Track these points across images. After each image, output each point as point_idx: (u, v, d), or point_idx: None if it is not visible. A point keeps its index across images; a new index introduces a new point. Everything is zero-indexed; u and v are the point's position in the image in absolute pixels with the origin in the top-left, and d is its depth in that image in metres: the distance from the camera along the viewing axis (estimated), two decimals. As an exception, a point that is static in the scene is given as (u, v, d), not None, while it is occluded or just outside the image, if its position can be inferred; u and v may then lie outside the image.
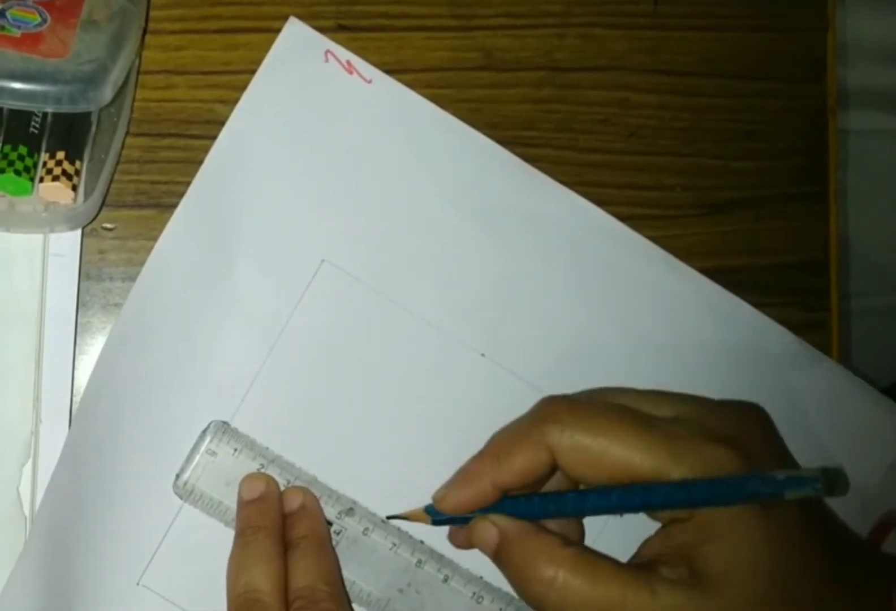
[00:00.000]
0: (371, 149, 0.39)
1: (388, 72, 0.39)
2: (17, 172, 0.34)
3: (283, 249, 0.38)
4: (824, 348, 0.42)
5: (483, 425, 0.36)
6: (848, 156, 0.71)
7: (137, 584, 0.37)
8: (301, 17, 0.39)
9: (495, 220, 0.39)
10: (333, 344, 0.38)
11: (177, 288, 0.37)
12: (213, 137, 0.38)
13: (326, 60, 0.39)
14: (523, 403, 0.36)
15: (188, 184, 0.38)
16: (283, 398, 0.38)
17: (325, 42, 0.38)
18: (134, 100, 0.38)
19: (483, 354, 0.39)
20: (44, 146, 0.35)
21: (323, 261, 0.38)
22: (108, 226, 0.38)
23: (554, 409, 0.34)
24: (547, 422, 0.34)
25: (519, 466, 0.34)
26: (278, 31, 0.39)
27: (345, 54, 0.39)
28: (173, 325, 0.37)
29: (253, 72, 0.39)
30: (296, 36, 0.38)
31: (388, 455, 0.39)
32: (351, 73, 0.39)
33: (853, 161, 0.70)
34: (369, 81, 0.39)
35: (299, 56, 0.38)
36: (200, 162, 0.38)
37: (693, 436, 0.33)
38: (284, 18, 0.39)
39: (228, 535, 0.36)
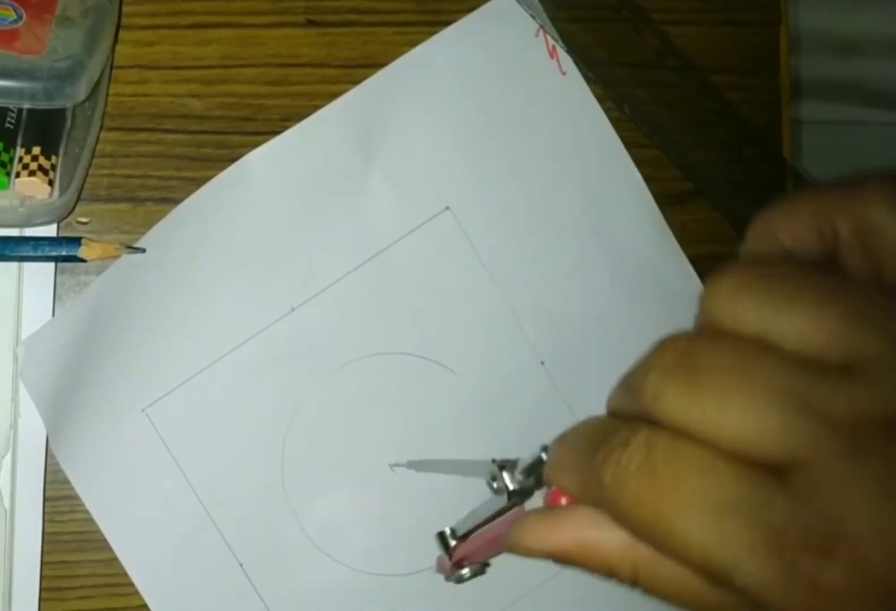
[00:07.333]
0: (529, 130, 0.40)
1: (357, 67, 0.40)
2: (-6, 168, 0.34)
3: (417, 181, 0.39)
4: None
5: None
6: (801, 146, 0.72)
7: (142, 410, 0.38)
8: (271, 12, 0.40)
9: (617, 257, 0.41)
10: (416, 282, 0.40)
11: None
12: (187, 132, 0.39)
13: (536, 35, 0.40)
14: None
15: (161, 178, 0.39)
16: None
17: (543, 19, 0.40)
18: (108, 94, 0.38)
19: (543, 363, 0.40)
20: (19, 141, 0.35)
21: (447, 208, 0.39)
22: (83, 220, 0.39)
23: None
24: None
25: None
26: (250, 26, 0.39)
27: (552, 39, 0.40)
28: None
29: (225, 67, 0.39)
30: (512, 3, 0.40)
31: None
32: (552, 57, 0.40)
33: (807, 151, 0.72)
34: (564, 73, 0.40)
35: (514, 19, 0.40)
36: (174, 156, 0.39)
37: None
38: (255, 14, 0.40)
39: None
